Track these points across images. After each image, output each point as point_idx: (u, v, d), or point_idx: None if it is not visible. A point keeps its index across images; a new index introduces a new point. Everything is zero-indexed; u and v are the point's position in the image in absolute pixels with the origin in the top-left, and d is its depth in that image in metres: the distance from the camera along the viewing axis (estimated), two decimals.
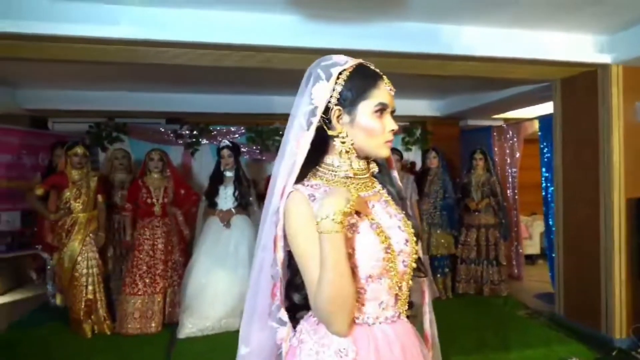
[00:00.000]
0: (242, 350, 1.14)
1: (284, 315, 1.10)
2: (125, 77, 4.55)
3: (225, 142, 4.01)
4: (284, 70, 3.62)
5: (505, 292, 4.83)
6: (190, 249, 4.04)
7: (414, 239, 1.11)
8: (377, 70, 1.10)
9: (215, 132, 5.75)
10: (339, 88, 1.06)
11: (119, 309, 3.83)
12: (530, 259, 6.50)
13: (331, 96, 1.06)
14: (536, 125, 5.10)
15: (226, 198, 3.87)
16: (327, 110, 1.07)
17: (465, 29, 3.35)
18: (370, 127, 1.07)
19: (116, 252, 4.23)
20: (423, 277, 1.22)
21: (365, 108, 1.06)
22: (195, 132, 5.67)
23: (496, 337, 3.69)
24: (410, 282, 1.12)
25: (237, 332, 1.18)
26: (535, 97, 4.77)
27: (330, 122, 1.08)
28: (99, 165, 5.26)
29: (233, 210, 3.87)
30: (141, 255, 3.85)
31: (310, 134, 1.05)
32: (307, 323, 1.09)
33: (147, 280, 3.83)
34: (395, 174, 1.23)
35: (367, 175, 1.14)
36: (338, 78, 1.07)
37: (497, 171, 5.38)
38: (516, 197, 5.67)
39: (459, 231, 4.91)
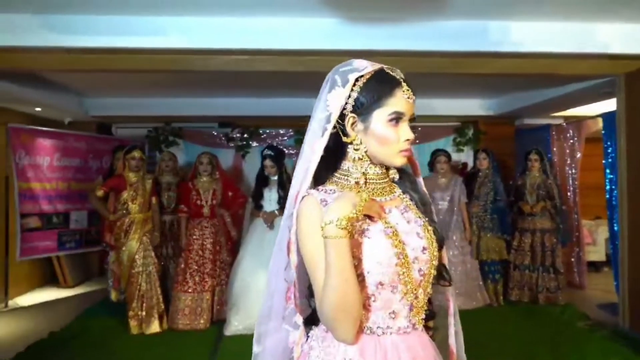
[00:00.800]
0: (255, 348, 1.17)
1: (298, 319, 1.10)
2: (180, 83, 4.79)
3: (268, 151, 4.06)
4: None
5: (563, 301, 4.56)
6: (237, 249, 4.16)
7: (435, 245, 1.08)
8: (398, 77, 1.07)
9: (264, 135, 5.88)
10: (354, 95, 1.05)
11: (171, 305, 4.02)
12: (594, 266, 6.07)
13: (346, 103, 1.05)
14: (599, 123, 4.76)
15: (270, 200, 3.96)
16: (343, 116, 1.06)
17: (514, 25, 3.21)
18: (384, 136, 1.04)
19: (167, 251, 4.43)
20: (447, 286, 1.17)
21: (380, 116, 1.04)
22: (245, 135, 5.84)
23: (550, 350, 3.49)
24: (430, 291, 1.09)
25: None
26: (597, 93, 4.47)
27: (345, 129, 1.07)
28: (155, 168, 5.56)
29: (276, 212, 3.95)
30: (191, 255, 4.03)
31: (323, 141, 1.05)
32: (318, 329, 1.08)
33: (197, 279, 4.00)
34: (420, 180, 1.20)
35: (386, 180, 1.12)
36: (354, 84, 1.05)
37: (556, 173, 5.08)
38: (577, 200, 5.32)
39: (512, 236, 4.68)
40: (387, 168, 1.13)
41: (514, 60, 3.33)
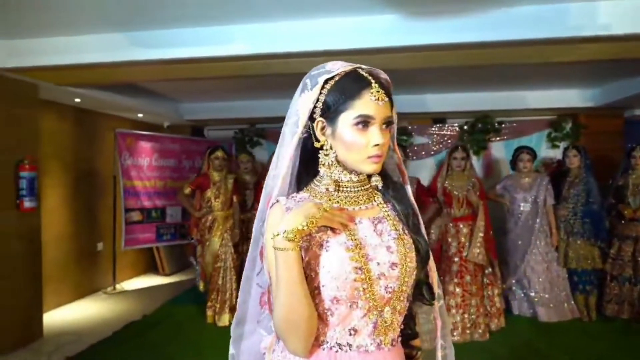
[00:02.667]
0: (231, 350, 1.20)
1: (272, 324, 1.07)
2: (262, 87, 5.03)
3: None
4: (390, 70, 3.55)
5: None
6: None
7: (409, 261, 0.99)
8: (368, 77, 1.00)
9: None
10: (322, 97, 1.01)
11: None
12: None
13: (315, 106, 1.02)
14: None
15: None
16: (314, 120, 1.03)
17: (599, 5, 2.82)
18: (350, 141, 0.99)
19: (245, 248, 4.66)
20: (427, 304, 1.08)
21: (345, 120, 0.99)
22: None
23: None
24: (401, 309, 1.01)
25: None
26: None
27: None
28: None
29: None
30: None
31: (291, 146, 1.03)
32: None
33: None
34: (408, 188, 1.12)
35: (363, 188, 1.06)
36: (323, 87, 1.01)
37: None
38: None
39: (609, 243, 4.11)
40: (370, 175, 1.06)
41: (598, 44, 2.93)
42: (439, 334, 1.12)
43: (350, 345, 0.97)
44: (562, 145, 5.41)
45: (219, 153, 4.33)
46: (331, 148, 1.02)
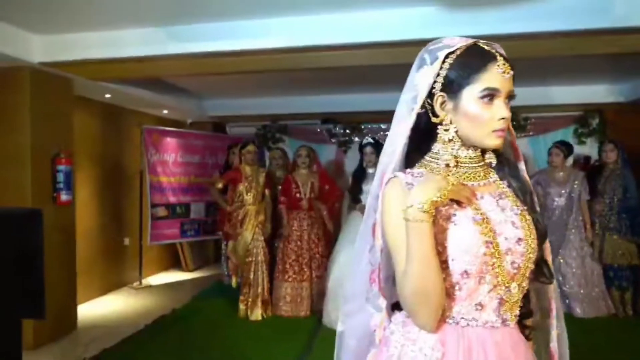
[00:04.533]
0: (339, 327, 1.19)
1: (382, 302, 1.08)
2: (285, 83, 5.04)
3: (368, 139, 4.12)
4: None
5: None
6: (334, 242, 4.25)
7: (533, 237, 0.99)
8: (492, 50, 0.99)
9: (366, 130, 5.92)
10: (443, 72, 1.00)
11: (275, 292, 4.26)
12: None
13: (435, 81, 1.01)
14: None
15: (368, 194, 3.96)
16: (432, 96, 1.02)
17: None
18: (474, 115, 0.97)
19: (277, 242, 4.66)
20: (547, 283, 1.07)
21: (471, 93, 0.97)
22: (347, 131, 5.93)
23: None
24: (525, 286, 1.00)
25: None
26: None
27: (434, 108, 1.02)
28: (264, 163, 5.91)
29: None
30: (290, 245, 4.23)
31: (410, 121, 1.02)
32: (400, 314, 1.06)
33: (296, 269, 4.18)
34: (522, 166, 1.11)
35: (480, 164, 1.05)
36: (444, 62, 1.00)
37: None
38: None
39: None
40: (483, 151, 1.05)
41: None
42: (554, 314, 1.11)
43: (476, 320, 0.97)
44: (589, 141, 5.37)
45: (251, 147, 4.34)
46: (451, 123, 1.01)
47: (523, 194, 1.05)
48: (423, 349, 0.96)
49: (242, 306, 4.18)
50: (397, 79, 4.78)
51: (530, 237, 0.98)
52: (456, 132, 1.01)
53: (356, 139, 5.92)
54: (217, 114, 6.17)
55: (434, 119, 1.03)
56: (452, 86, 1.00)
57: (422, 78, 1.02)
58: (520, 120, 5.53)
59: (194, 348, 3.51)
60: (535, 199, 1.08)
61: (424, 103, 1.03)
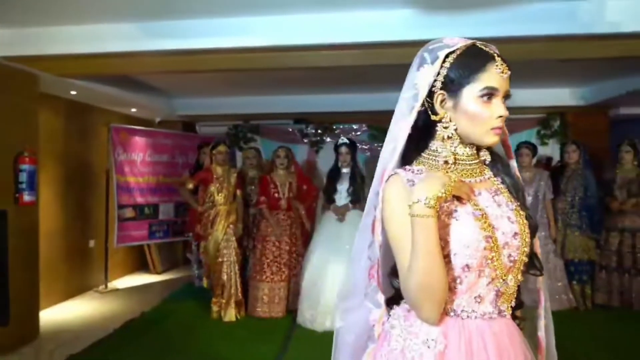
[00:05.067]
0: (337, 323, 1.20)
1: (380, 297, 1.09)
2: (258, 82, 4.99)
3: (344, 139, 4.16)
4: (404, 65, 3.59)
5: None
6: (309, 242, 4.25)
7: (527, 232, 1.03)
8: (490, 51, 1.02)
9: (338, 130, 5.95)
10: (444, 71, 1.02)
11: (250, 294, 4.22)
12: None
13: (435, 80, 1.03)
14: None
15: (342, 194, 4.01)
16: (431, 94, 1.04)
17: (609, 4, 2.94)
18: (474, 113, 1.01)
19: (249, 242, 4.62)
20: (538, 275, 1.11)
21: (470, 92, 1.01)
22: (319, 131, 5.95)
23: None
24: (520, 278, 1.04)
25: None
26: None
27: (434, 106, 1.05)
28: (235, 163, 5.85)
29: (350, 205, 3.98)
30: (267, 246, 4.20)
31: (411, 119, 1.04)
32: (399, 309, 1.08)
33: (274, 269, 4.16)
34: (513, 163, 1.15)
35: (476, 162, 1.08)
36: (444, 61, 1.02)
37: None
38: None
39: (602, 234, 4.32)
40: (478, 149, 1.09)
41: (607, 42, 3.06)
42: (542, 305, 1.15)
43: (475, 312, 1.00)
44: (551, 142, 5.60)
45: (222, 147, 4.30)
46: (450, 121, 1.04)
47: (515, 191, 1.09)
48: (426, 341, 0.97)
49: (215, 308, 4.12)
50: (371, 79, 4.89)
51: (524, 231, 1.03)
52: (455, 129, 1.04)
53: (328, 139, 5.94)
54: (187, 113, 6.05)
55: (433, 117, 1.05)
56: (452, 85, 1.02)
57: (422, 77, 1.04)
58: None
59: (167, 351, 3.43)
60: (525, 195, 1.12)
61: (422, 101, 1.04)
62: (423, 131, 1.07)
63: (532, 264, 1.06)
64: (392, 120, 1.09)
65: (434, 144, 1.08)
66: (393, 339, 1.03)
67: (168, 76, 4.61)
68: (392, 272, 1.09)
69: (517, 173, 1.13)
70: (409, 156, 1.09)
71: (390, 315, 1.09)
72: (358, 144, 4.70)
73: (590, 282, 4.31)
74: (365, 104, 5.55)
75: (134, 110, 5.66)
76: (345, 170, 4.07)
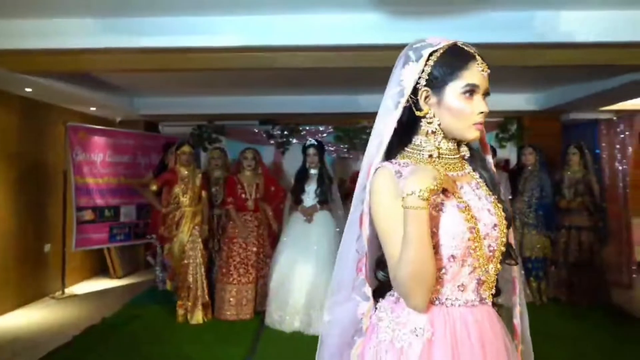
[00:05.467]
0: (326, 317, 1.21)
1: (367, 290, 1.12)
2: (223, 83, 4.94)
3: (312, 140, 4.18)
4: (371, 68, 3.68)
5: (607, 300, 4.40)
6: (277, 243, 4.25)
7: (504, 223, 1.09)
8: (471, 51, 1.08)
9: (304, 132, 5.98)
10: (428, 69, 1.07)
11: (217, 296, 4.16)
12: None
13: (420, 77, 1.08)
14: None
15: (310, 195, 4.03)
16: (416, 91, 1.09)
17: (563, 14, 3.12)
18: (457, 109, 1.06)
19: (214, 244, 4.56)
20: (513, 264, 1.17)
21: (453, 89, 1.06)
22: (285, 132, 5.95)
23: (597, 348, 3.38)
24: (499, 267, 1.09)
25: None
26: None
27: (418, 103, 1.09)
28: (200, 164, 5.75)
29: (318, 205, 4.01)
30: (234, 247, 4.16)
31: (396, 114, 1.08)
32: (386, 301, 1.11)
33: (241, 271, 4.12)
34: (489, 158, 1.21)
35: (457, 156, 1.14)
36: (428, 59, 1.07)
37: (604, 169, 4.89)
38: (627, 197, 5.10)
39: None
40: (459, 144, 1.14)
41: (562, 51, 3.24)
42: (517, 292, 1.21)
43: (458, 300, 1.05)
44: (509, 145, 5.86)
45: (186, 148, 4.23)
46: (434, 116, 1.09)
47: (492, 185, 1.15)
48: (415, 330, 1.02)
49: (180, 311, 4.04)
50: (337, 81, 4.94)
51: (502, 223, 1.09)
52: (439, 124, 1.09)
53: (294, 140, 5.96)
54: (149, 113, 5.89)
55: (418, 113, 1.10)
56: (436, 82, 1.07)
57: (407, 74, 1.08)
58: None
59: (132, 357, 3.34)
60: (502, 189, 1.18)
61: (407, 97, 1.09)
62: (407, 126, 1.12)
63: (508, 253, 1.12)
64: (377, 117, 1.13)
65: (418, 139, 1.12)
66: (381, 330, 1.06)
67: (130, 74, 4.49)
68: (377, 265, 1.12)
69: (493, 168, 1.20)
70: (391, 150, 1.12)
71: (377, 308, 1.12)
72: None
73: (546, 278, 4.54)
74: (332, 105, 5.61)
75: (93, 109, 5.46)
76: (313, 171, 4.10)
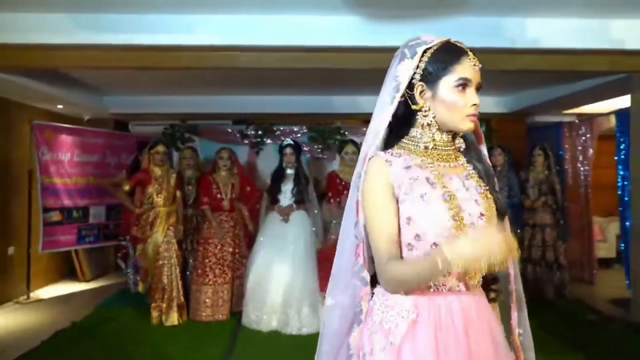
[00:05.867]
0: (329, 301, 1.25)
1: (366, 275, 1.16)
2: (196, 82, 4.87)
3: (288, 140, 4.19)
4: (346, 70, 3.72)
5: (571, 296, 4.61)
6: (253, 243, 4.23)
7: (494, 213, 1.13)
8: (463, 47, 1.15)
9: (278, 132, 5.96)
10: (422, 65, 1.13)
11: (192, 297, 4.11)
12: (606, 262, 6.08)
13: (415, 73, 1.14)
14: (612, 120, 4.80)
15: (286, 194, 4.04)
16: (411, 86, 1.14)
17: (531, 21, 3.25)
18: (451, 101, 1.11)
19: (188, 244, 4.49)
20: None
21: (447, 83, 1.12)
22: (259, 132, 5.93)
23: (561, 342, 3.55)
24: None
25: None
26: (611, 90, 4.48)
27: (414, 97, 1.15)
28: (172, 164, 5.65)
29: (294, 205, 4.02)
30: (210, 248, 4.12)
31: (392, 107, 1.14)
32: (379, 286, 1.17)
33: (217, 271, 4.08)
34: (484, 151, 1.26)
35: (451, 148, 1.18)
36: (423, 55, 1.13)
37: (566, 169, 5.12)
38: (588, 196, 5.35)
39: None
40: (454, 137, 1.19)
41: (529, 56, 3.38)
42: (513, 280, 1.25)
43: (444, 286, 1.10)
44: None
45: (160, 148, 4.17)
46: (429, 109, 1.15)
47: (486, 176, 1.21)
48: (400, 312, 1.08)
49: (155, 313, 3.97)
50: (311, 82, 4.97)
51: (491, 212, 1.14)
52: (434, 117, 1.15)
53: (269, 140, 5.94)
54: (119, 111, 5.75)
55: (413, 106, 1.16)
56: (430, 77, 1.13)
57: (403, 70, 1.14)
58: None
59: (107, 359, 3.26)
60: (496, 180, 1.24)
61: (403, 92, 1.15)
62: (403, 120, 1.18)
63: None
64: (375, 109, 1.19)
65: (414, 131, 1.18)
66: (374, 313, 1.13)
67: (100, 72, 4.37)
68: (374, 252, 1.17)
69: (488, 160, 1.26)
70: (388, 143, 1.19)
71: (374, 293, 1.18)
72: None
73: None
74: (306, 106, 5.62)
75: (60, 107, 5.29)
76: (289, 171, 4.11)
